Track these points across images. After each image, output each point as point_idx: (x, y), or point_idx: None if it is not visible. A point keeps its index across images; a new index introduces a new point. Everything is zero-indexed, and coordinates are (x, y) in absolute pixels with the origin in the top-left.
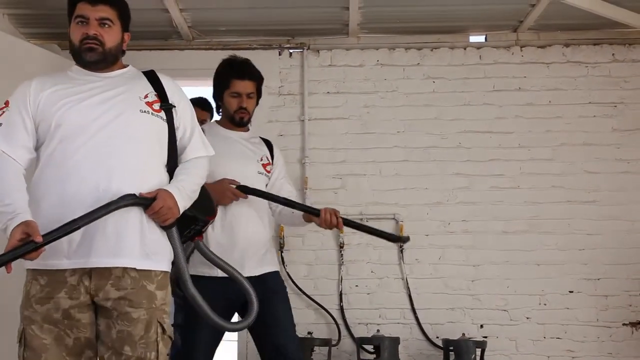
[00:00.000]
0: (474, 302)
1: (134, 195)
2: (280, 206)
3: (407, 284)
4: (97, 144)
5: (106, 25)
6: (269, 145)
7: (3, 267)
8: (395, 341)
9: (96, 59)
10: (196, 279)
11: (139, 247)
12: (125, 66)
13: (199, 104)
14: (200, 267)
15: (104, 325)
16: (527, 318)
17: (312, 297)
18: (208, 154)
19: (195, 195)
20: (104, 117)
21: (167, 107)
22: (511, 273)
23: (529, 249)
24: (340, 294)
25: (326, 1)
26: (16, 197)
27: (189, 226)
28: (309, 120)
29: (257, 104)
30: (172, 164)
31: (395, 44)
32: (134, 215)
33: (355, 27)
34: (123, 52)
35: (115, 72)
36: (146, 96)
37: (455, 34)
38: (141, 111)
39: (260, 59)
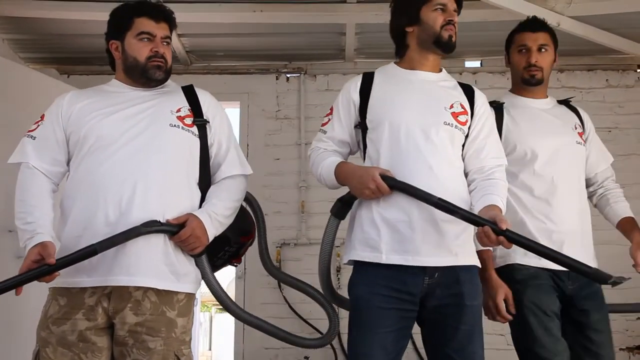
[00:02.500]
0: None
1: (158, 222)
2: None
3: None
4: (123, 158)
5: (166, 44)
6: (468, 91)
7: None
8: None
9: (163, 77)
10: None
11: (161, 267)
12: None
13: None
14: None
15: (118, 353)
16: None
17: (308, 321)
18: (244, 173)
19: (229, 221)
20: (131, 131)
21: (200, 123)
22: None
23: None
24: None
25: (323, 27)
26: (38, 215)
27: (222, 248)
28: (306, 144)
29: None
30: (205, 182)
31: None
32: (158, 235)
33: (351, 52)
34: None
35: (154, 88)
36: (179, 110)
37: (450, 59)
38: (171, 125)
39: (257, 83)
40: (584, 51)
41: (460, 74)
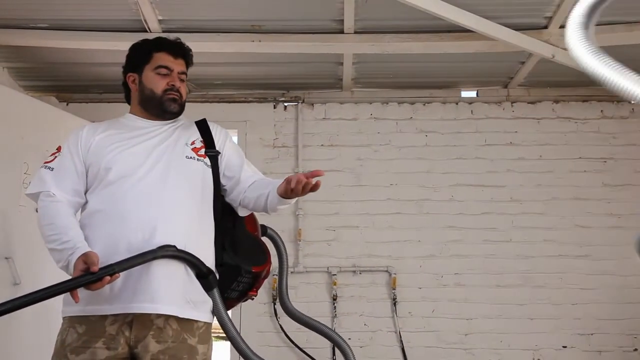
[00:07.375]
0: (468, 356)
1: (174, 247)
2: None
3: (400, 337)
4: (142, 191)
5: (182, 80)
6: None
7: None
8: None
9: (177, 110)
10: None
11: (182, 295)
12: None
13: None
14: None
15: None
16: None
17: (304, 350)
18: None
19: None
20: (148, 164)
21: (212, 154)
22: (504, 327)
23: (522, 303)
24: (333, 348)
25: (321, 57)
26: (73, 234)
27: (235, 278)
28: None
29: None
30: (217, 209)
31: (388, 98)
32: (178, 263)
33: (349, 82)
34: None
35: (169, 121)
36: (193, 142)
37: (447, 89)
38: (187, 157)
39: (255, 112)
40: (578, 82)
41: (457, 104)
